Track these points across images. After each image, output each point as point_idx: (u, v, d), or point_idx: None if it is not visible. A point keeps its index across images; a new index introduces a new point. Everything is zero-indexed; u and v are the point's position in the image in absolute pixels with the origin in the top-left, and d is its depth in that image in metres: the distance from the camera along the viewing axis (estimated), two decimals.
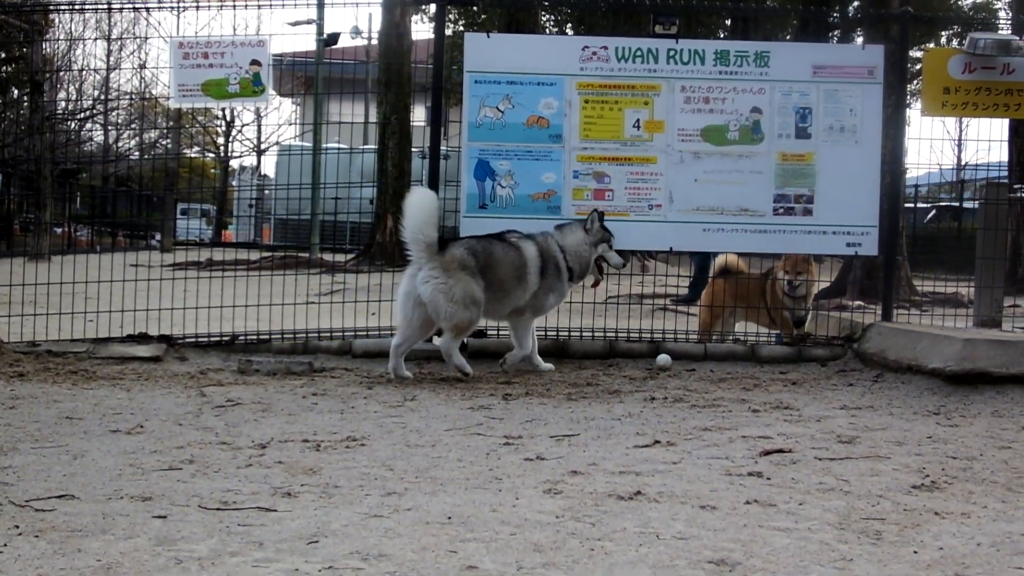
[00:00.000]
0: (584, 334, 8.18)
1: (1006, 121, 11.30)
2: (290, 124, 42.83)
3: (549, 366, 7.43)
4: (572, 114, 7.91)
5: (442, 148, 8.24)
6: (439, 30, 8.40)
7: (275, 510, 3.61)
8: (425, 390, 6.53)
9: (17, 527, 3.34)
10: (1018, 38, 8.04)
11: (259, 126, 45.14)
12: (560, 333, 8.13)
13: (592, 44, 8.04)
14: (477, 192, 7.87)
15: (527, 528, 3.42)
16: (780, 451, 4.72)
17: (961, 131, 35.29)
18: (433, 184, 7.99)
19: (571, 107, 7.92)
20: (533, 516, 3.57)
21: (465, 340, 7.88)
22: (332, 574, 2.95)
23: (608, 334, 8.18)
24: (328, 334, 7.96)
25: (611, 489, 3.96)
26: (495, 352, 7.76)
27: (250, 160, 46.31)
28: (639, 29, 12.66)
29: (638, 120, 7.91)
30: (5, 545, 3.15)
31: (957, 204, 19.22)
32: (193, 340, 7.76)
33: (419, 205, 6.96)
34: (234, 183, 42.23)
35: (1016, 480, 4.24)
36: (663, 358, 7.65)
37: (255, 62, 7.82)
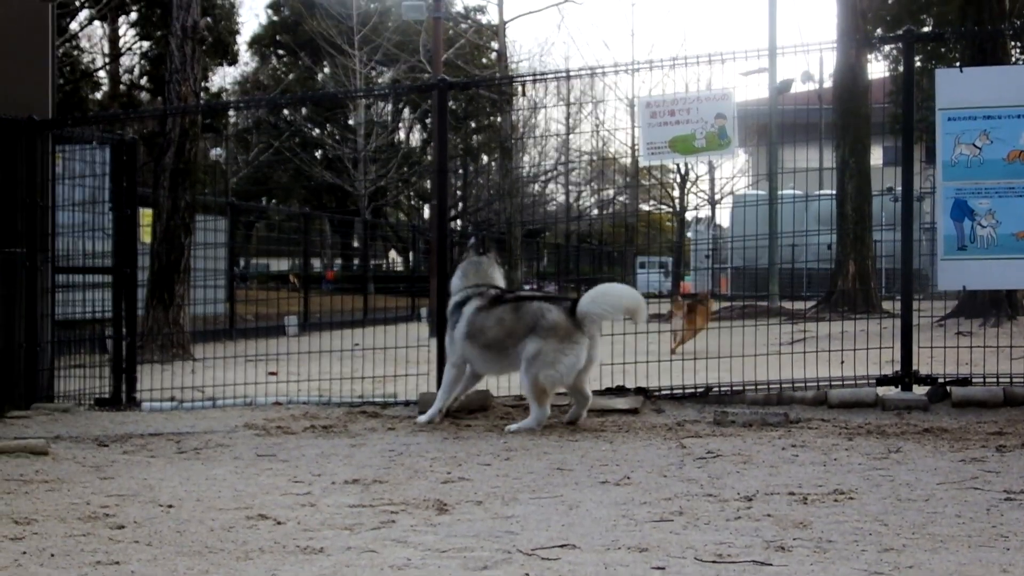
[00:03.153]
0: None
1: None
2: (743, 174, 42.94)
3: None
4: None
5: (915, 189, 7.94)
6: (908, 67, 8.12)
7: (771, 564, 3.60)
8: (908, 442, 6.27)
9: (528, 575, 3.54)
10: None
11: (712, 177, 45.54)
12: (1001, 379, 7.59)
13: None
14: (955, 233, 7.50)
15: None
16: None
17: None
18: (907, 226, 7.72)
19: None
20: None
21: (949, 389, 7.49)
22: None
23: None
24: (802, 384, 7.85)
25: None
26: (980, 402, 7.33)
27: (704, 211, 46.84)
28: None
29: None
30: None
31: None
32: (668, 392, 7.93)
33: None
34: (690, 235, 42.85)
35: None
36: None
37: (720, 115, 7.93)
